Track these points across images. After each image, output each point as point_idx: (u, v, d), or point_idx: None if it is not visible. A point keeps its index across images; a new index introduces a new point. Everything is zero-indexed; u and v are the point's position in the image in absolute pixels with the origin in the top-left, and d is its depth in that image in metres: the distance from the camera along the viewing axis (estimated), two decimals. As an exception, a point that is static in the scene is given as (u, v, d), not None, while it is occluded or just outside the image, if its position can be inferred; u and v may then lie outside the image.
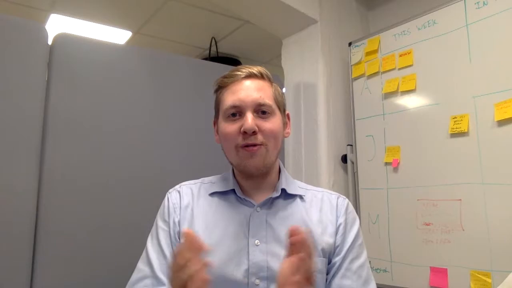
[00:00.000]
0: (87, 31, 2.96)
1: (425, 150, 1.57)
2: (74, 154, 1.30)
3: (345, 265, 0.89)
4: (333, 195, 0.98)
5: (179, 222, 0.90)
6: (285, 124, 0.96)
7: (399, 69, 1.69)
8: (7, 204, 1.16)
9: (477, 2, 1.45)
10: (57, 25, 2.89)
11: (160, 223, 0.92)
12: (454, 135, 1.48)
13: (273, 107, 0.90)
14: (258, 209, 0.90)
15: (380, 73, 1.77)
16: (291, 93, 2.00)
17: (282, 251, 0.86)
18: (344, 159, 1.90)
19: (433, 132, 1.55)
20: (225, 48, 3.25)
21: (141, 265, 0.89)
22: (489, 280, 1.32)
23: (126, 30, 3.03)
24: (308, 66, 1.96)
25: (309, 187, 1.00)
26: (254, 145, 0.86)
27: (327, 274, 0.89)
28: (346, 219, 0.93)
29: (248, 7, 1.92)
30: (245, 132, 0.86)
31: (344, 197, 0.99)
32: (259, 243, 0.86)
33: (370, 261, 1.38)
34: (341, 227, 0.92)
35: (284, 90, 1.99)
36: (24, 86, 1.24)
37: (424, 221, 1.54)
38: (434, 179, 1.53)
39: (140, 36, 3.10)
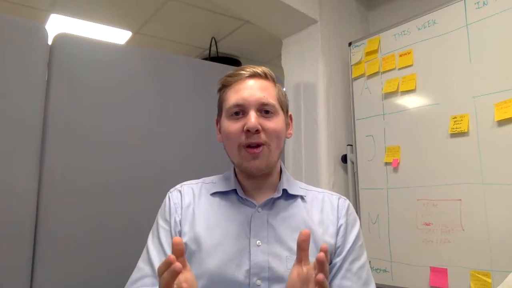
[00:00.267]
0: (87, 31, 2.96)
1: (425, 150, 1.57)
2: (74, 154, 1.30)
3: (345, 266, 0.89)
4: (334, 196, 0.98)
5: (180, 221, 0.90)
6: (287, 125, 0.96)
7: (399, 69, 1.69)
8: (7, 204, 1.16)
9: (477, 2, 1.45)
10: (57, 25, 2.89)
11: (161, 222, 0.92)
12: (454, 135, 1.48)
13: (276, 107, 0.91)
14: (260, 209, 0.90)
15: (380, 73, 1.77)
16: (291, 93, 2.00)
17: (283, 252, 0.86)
18: (344, 159, 1.90)
19: (433, 132, 1.55)
20: (225, 48, 3.25)
21: (141, 264, 0.89)
22: (489, 280, 1.32)
23: (126, 30, 3.03)
24: (308, 66, 1.96)
25: (310, 187, 1.00)
26: (257, 145, 0.86)
27: (327, 275, 0.90)
28: (347, 220, 0.93)
29: (248, 7, 1.92)
30: (248, 131, 0.86)
31: (345, 198, 0.99)
32: (260, 244, 0.86)
33: (370, 261, 1.38)
34: (342, 228, 0.92)
35: (284, 90, 1.99)
36: (24, 86, 1.24)
37: (424, 221, 1.54)
38: (434, 179, 1.53)
39: (140, 36, 3.10)
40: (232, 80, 0.92)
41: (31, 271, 1.17)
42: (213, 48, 3.15)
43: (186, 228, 0.89)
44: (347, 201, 0.98)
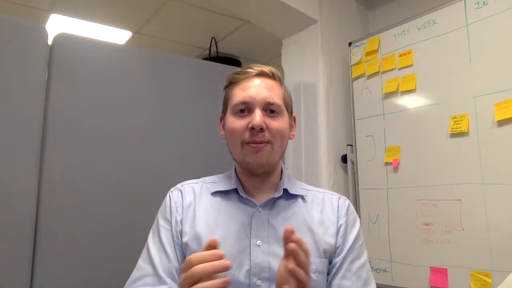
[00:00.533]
0: (87, 31, 2.96)
1: (425, 150, 1.57)
2: (74, 154, 1.30)
3: (345, 265, 0.89)
4: (334, 196, 0.98)
5: (181, 221, 0.90)
6: (291, 126, 0.97)
7: (399, 69, 1.69)
8: (7, 204, 1.16)
9: (477, 2, 1.45)
10: (57, 25, 2.89)
11: (161, 221, 0.91)
12: (454, 135, 1.48)
13: (281, 107, 0.91)
14: (260, 209, 0.90)
15: (380, 73, 1.77)
16: (291, 93, 2.00)
17: (283, 252, 0.86)
18: (344, 159, 1.90)
19: (433, 132, 1.55)
20: (225, 48, 3.25)
21: (142, 263, 0.88)
22: (489, 280, 1.32)
23: (126, 30, 3.03)
24: (308, 66, 1.96)
25: (310, 187, 1.00)
26: (261, 142, 0.87)
27: (327, 275, 0.89)
28: (347, 220, 0.93)
29: (248, 7, 1.92)
30: (252, 128, 0.86)
31: (345, 198, 0.99)
32: (261, 244, 0.86)
33: (370, 261, 1.38)
34: (342, 228, 0.92)
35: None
36: (24, 86, 1.24)
37: (424, 221, 1.54)
38: (434, 179, 1.53)
39: (140, 36, 3.10)
40: (240, 78, 0.93)
41: (31, 271, 1.17)
42: (213, 48, 3.15)
43: (187, 228, 0.89)
44: (347, 201, 0.98)
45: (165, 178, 1.24)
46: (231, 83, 0.95)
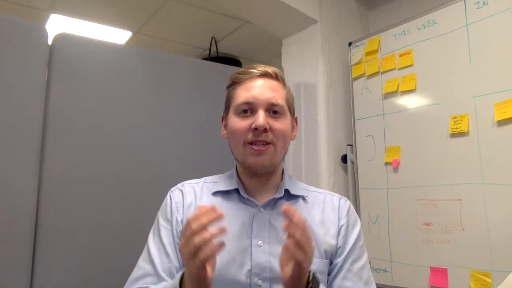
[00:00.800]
0: (87, 31, 2.96)
1: (425, 150, 1.57)
2: (74, 154, 1.30)
3: (346, 266, 0.89)
4: (335, 197, 0.98)
5: (182, 221, 0.89)
6: (293, 127, 0.97)
7: (399, 69, 1.69)
8: (7, 204, 1.16)
9: (477, 2, 1.45)
10: (57, 25, 2.88)
11: (162, 221, 0.91)
12: (454, 135, 1.48)
13: (284, 109, 0.91)
14: (261, 209, 0.90)
15: (380, 73, 1.77)
16: (291, 93, 2.00)
17: None
18: (344, 159, 1.90)
19: (433, 132, 1.55)
20: (225, 48, 3.25)
21: (142, 263, 0.88)
22: (489, 280, 1.32)
23: (126, 30, 3.03)
24: (308, 66, 1.96)
25: (311, 188, 1.00)
26: (264, 143, 0.87)
27: (328, 275, 0.90)
28: (348, 221, 0.94)
29: (248, 7, 1.92)
30: (255, 129, 0.86)
31: (346, 199, 0.99)
32: (262, 244, 0.86)
33: (370, 261, 1.38)
34: (343, 229, 0.92)
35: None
36: (24, 86, 1.24)
37: (424, 221, 1.54)
38: (434, 179, 1.53)
39: (140, 36, 3.09)
40: (243, 78, 0.92)
41: (31, 271, 1.17)
42: (213, 48, 3.15)
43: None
44: (348, 202, 0.98)
45: (165, 178, 1.24)
46: (234, 83, 0.94)
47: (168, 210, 0.92)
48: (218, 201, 0.93)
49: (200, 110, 1.57)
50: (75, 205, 1.27)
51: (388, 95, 1.73)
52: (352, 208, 0.98)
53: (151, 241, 0.90)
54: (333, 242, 0.90)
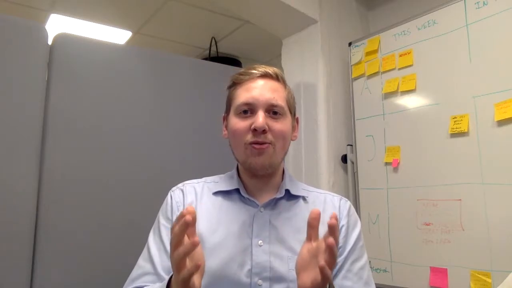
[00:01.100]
0: (87, 31, 2.96)
1: (425, 150, 1.57)
2: (74, 154, 1.30)
3: (346, 266, 0.89)
4: (336, 197, 0.98)
5: None
6: (293, 127, 0.97)
7: (399, 69, 1.69)
8: (7, 204, 1.16)
9: (477, 2, 1.45)
10: (57, 25, 2.88)
11: (162, 220, 0.92)
12: (454, 135, 1.48)
13: (284, 109, 0.91)
14: (262, 209, 0.90)
15: (380, 73, 1.77)
16: (291, 93, 2.00)
17: (284, 252, 0.86)
18: (344, 159, 1.90)
19: (433, 132, 1.55)
20: (225, 48, 3.25)
21: (142, 262, 0.88)
22: (489, 280, 1.32)
23: (126, 30, 3.03)
24: (308, 66, 1.96)
25: (311, 188, 1.01)
26: (263, 143, 0.87)
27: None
28: (348, 221, 0.94)
29: (248, 7, 1.92)
30: (255, 130, 0.86)
31: (346, 199, 0.99)
32: (262, 244, 0.87)
33: (370, 261, 1.38)
34: (343, 229, 0.92)
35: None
36: (24, 86, 1.24)
37: (424, 221, 1.54)
38: (434, 179, 1.53)
39: (140, 36, 3.09)
40: (243, 79, 0.93)
41: (31, 271, 1.18)
42: (213, 48, 3.15)
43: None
44: (348, 202, 0.98)
45: (165, 178, 1.24)
46: (234, 84, 0.95)
47: (169, 209, 0.92)
48: (218, 201, 0.93)
49: (200, 110, 1.57)
50: (75, 205, 1.27)
51: (388, 95, 1.73)
52: (353, 209, 0.98)
53: (151, 240, 0.91)
54: None
